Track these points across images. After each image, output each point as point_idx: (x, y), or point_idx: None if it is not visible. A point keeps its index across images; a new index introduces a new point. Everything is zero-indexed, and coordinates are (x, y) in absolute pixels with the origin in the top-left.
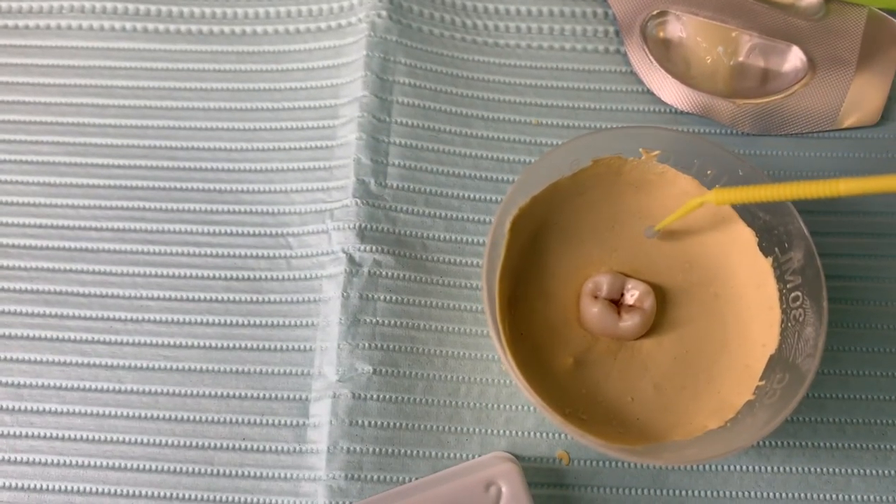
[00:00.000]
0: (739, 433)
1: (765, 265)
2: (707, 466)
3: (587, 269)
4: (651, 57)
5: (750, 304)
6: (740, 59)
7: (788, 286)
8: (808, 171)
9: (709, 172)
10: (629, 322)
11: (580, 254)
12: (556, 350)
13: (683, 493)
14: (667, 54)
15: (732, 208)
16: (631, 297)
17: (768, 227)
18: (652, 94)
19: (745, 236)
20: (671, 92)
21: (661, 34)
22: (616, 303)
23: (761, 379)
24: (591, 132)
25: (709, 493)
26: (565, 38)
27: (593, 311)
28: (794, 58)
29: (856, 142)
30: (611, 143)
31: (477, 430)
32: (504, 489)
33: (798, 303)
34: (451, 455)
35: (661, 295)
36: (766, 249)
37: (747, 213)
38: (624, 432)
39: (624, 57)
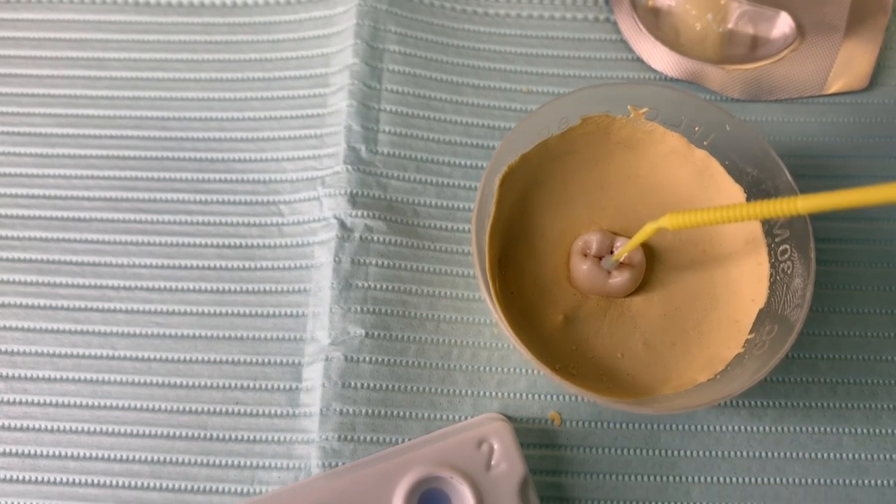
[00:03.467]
0: (728, 383)
1: (753, 221)
2: (699, 426)
3: (577, 229)
4: (640, 25)
5: (739, 260)
6: (729, 25)
7: (777, 240)
8: (798, 136)
9: (696, 129)
10: (619, 279)
11: (569, 213)
12: (547, 308)
13: (675, 452)
14: (656, 22)
15: (720, 164)
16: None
17: (756, 181)
18: (642, 61)
19: (733, 193)
20: (661, 59)
21: (651, 2)
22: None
23: (750, 332)
24: (579, 89)
25: (701, 452)
26: (555, 6)
27: (583, 269)
28: (783, 24)
29: (845, 107)
30: (599, 100)
31: (469, 392)
32: (496, 446)
33: (786, 256)
34: (444, 416)
35: (650, 253)
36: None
37: (735, 169)
38: (614, 387)
39: (614, 25)
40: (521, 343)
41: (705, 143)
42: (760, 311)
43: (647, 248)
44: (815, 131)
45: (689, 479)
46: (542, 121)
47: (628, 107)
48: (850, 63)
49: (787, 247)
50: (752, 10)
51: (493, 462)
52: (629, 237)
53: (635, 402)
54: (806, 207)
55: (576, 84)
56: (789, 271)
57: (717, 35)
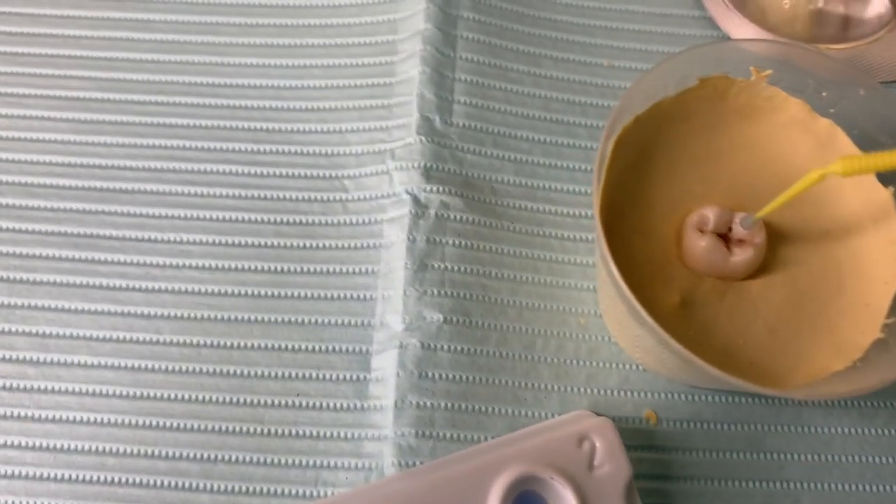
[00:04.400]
0: (878, 369)
1: (884, 195)
2: (806, 428)
3: (687, 204)
4: (727, 1)
5: (867, 239)
6: (820, 4)
7: None
8: (894, 123)
9: (824, 94)
10: (741, 257)
11: (680, 187)
12: (659, 289)
13: (782, 456)
14: None
15: (843, 131)
16: (739, 231)
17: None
18: (728, 39)
19: None
20: (749, 37)
21: None
22: (723, 238)
23: (889, 317)
24: (703, 45)
25: (809, 457)
26: None
27: (701, 246)
28: (878, 3)
29: None
30: (719, 59)
31: (556, 387)
32: (598, 444)
33: None
34: (529, 413)
35: (769, 232)
36: (885, 178)
37: (865, 138)
38: (738, 377)
39: (698, 1)
40: (645, 326)
41: (832, 110)
42: None
43: (766, 227)
44: None
45: (799, 485)
46: (661, 79)
47: (751, 68)
48: None
49: None
50: None
51: (595, 462)
52: (749, 213)
53: (780, 388)
54: None
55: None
56: None
57: (807, 13)
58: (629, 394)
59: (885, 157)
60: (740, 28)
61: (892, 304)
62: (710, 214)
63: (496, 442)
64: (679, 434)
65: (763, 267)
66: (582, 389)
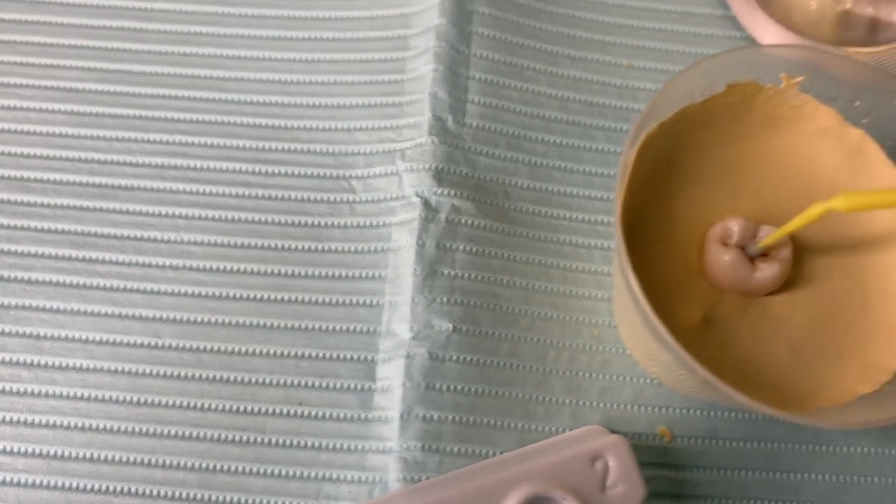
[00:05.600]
0: None
1: None
2: (825, 447)
3: (709, 216)
4: (752, 0)
5: (894, 256)
6: (847, 6)
7: None
8: None
9: (857, 104)
10: (767, 272)
11: (702, 198)
12: (680, 305)
13: (799, 476)
14: None
15: (874, 140)
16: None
17: None
18: (751, 39)
19: (891, 178)
20: (774, 38)
21: None
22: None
23: None
24: (736, 49)
25: (828, 477)
26: None
27: (724, 260)
28: None
29: None
30: (751, 64)
31: (568, 400)
32: (612, 464)
33: None
34: (540, 428)
35: (793, 247)
36: None
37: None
38: (759, 398)
39: (721, 0)
40: (673, 338)
41: (864, 120)
42: None
43: (791, 241)
44: None
45: None
46: (688, 84)
47: (781, 75)
48: None
49: None
50: None
51: (608, 483)
52: (773, 227)
53: (809, 415)
54: None
55: (680, 61)
56: None
57: (834, 14)
58: (643, 409)
59: (890, 194)
60: (764, 28)
61: None
62: (735, 227)
63: (505, 458)
64: (694, 451)
65: (787, 283)
66: (595, 403)
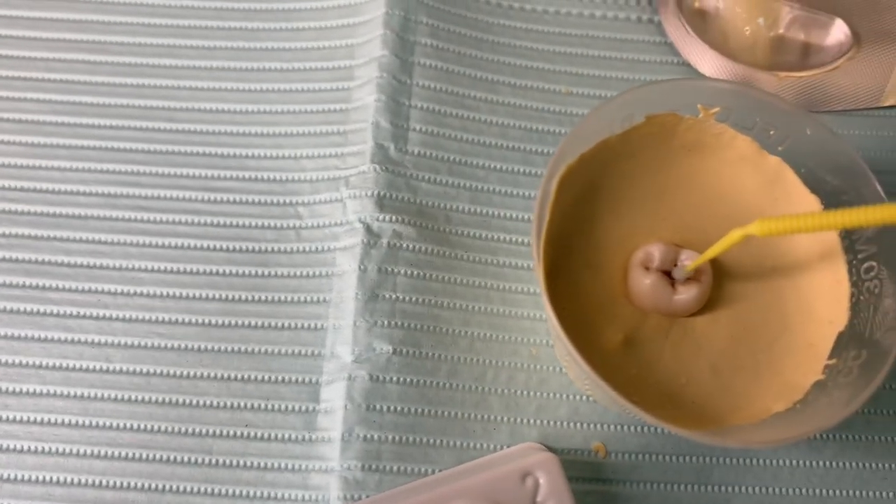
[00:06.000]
0: (814, 414)
1: (830, 234)
2: (754, 460)
3: (634, 240)
4: (687, 27)
5: (813, 278)
6: (780, 31)
7: (860, 256)
8: (839, 164)
9: (771, 133)
10: (685, 295)
11: (627, 223)
12: (603, 327)
13: (730, 489)
14: (703, 25)
15: (794, 171)
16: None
17: (836, 191)
18: (688, 65)
19: (808, 204)
20: (710, 64)
21: (697, 4)
22: (668, 275)
23: (831, 357)
24: (648, 83)
25: (757, 489)
26: (596, 5)
27: (645, 283)
28: (838, 31)
29: None
30: (668, 96)
31: (506, 418)
32: (542, 481)
33: (872, 273)
34: (478, 445)
35: (715, 268)
36: None
37: (812, 177)
38: (679, 416)
39: (658, 26)
40: (588, 364)
41: (780, 148)
42: (841, 334)
43: (712, 264)
44: (871, 145)
45: None
46: (607, 117)
47: (698, 106)
48: None
49: (874, 264)
50: (804, 15)
51: (538, 499)
52: (695, 250)
53: (716, 434)
54: None
55: (618, 87)
56: (877, 291)
57: (767, 40)
58: (579, 425)
59: (802, 220)
60: (701, 54)
61: (835, 344)
62: (656, 251)
63: (441, 476)
64: (628, 466)
65: (709, 303)
66: (532, 421)
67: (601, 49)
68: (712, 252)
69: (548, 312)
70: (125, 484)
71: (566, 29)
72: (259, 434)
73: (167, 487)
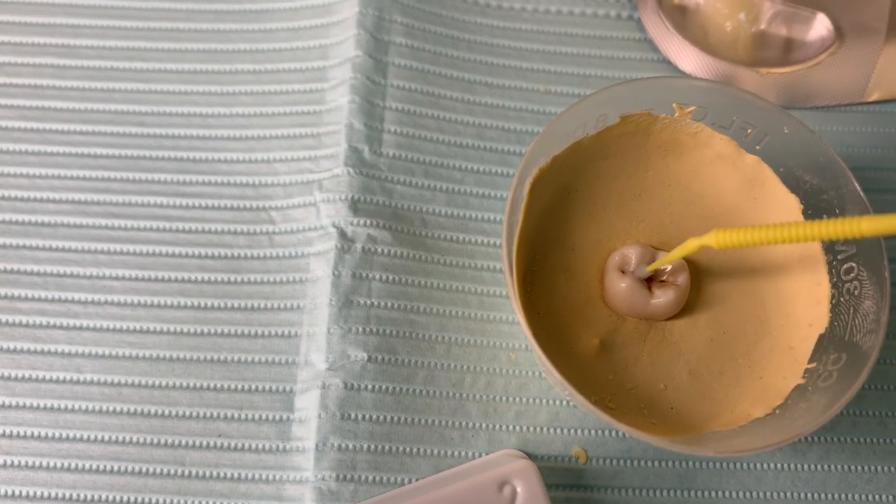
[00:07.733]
0: (794, 419)
1: None
2: (737, 464)
3: (611, 242)
4: (667, 23)
5: (793, 279)
6: (762, 26)
7: (839, 257)
8: (837, 147)
9: (749, 131)
10: (662, 299)
11: (603, 225)
12: (579, 331)
13: (713, 493)
14: (683, 21)
15: (774, 171)
16: (663, 271)
17: (816, 191)
18: (668, 62)
19: (787, 203)
20: (690, 60)
21: (677, 0)
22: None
23: (811, 361)
24: (622, 82)
25: (741, 493)
26: (574, 2)
27: (621, 287)
28: (820, 26)
29: (885, 116)
30: (642, 95)
31: (484, 425)
32: (519, 489)
33: (852, 275)
34: (456, 453)
35: (693, 270)
36: (812, 217)
37: (791, 177)
38: (658, 423)
39: (637, 23)
40: (560, 372)
41: (758, 147)
42: (821, 336)
43: (691, 266)
44: (854, 141)
45: None
46: (579, 118)
47: (673, 105)
48: (892, 69)
49: (854, 265)
50: (786, 10)
51: None
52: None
53: (691, 442)
54: (872, 229)
55: (597, 85)
56: (857, 292)
57: (748, 36)
58: (559, 431)
59: (756, 233)
60: (681, 51)
61: (815, 347)
62: (632, 254)
63: (418, 485)
64: (609, 472)
65: (687, 306)
66: (511, 427)
67: (580, 46)
68: (668, 258)
69: (521, 320)
70: (96, 497)
71: (544, 26)
72: (232, 444)
73: (139, 500)
